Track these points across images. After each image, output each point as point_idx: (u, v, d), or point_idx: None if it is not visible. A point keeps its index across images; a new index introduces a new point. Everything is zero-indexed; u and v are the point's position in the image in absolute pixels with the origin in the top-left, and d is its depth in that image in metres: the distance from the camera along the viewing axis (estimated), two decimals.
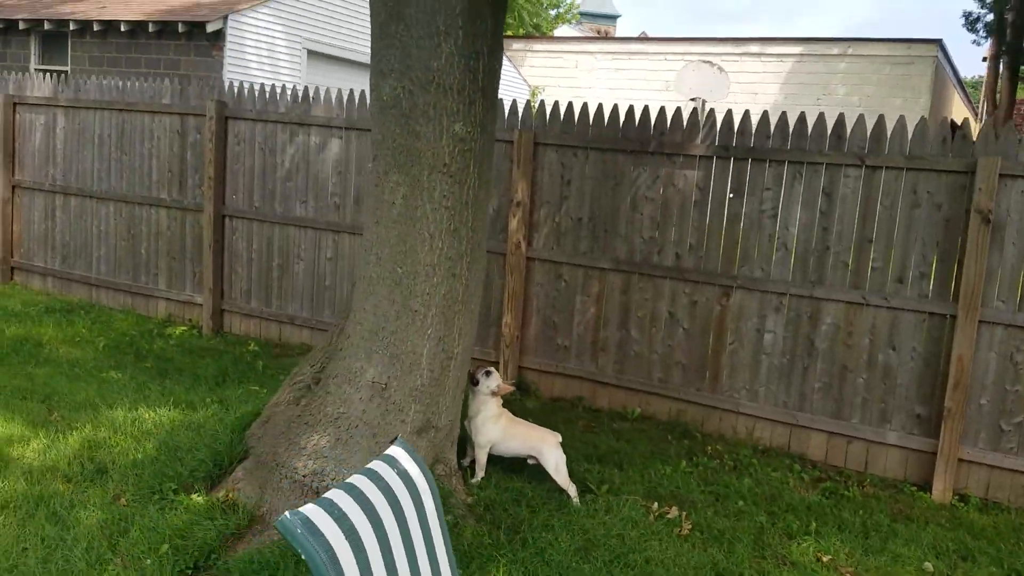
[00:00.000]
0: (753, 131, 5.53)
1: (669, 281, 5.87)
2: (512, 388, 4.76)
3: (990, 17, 22.14)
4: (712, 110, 5.76)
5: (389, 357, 3.89)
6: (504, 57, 21.07)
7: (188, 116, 7.53)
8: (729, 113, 5.74)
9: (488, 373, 4.52)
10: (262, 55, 13.88)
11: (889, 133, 5.16)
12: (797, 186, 5.43)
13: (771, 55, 22.82)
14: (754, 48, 23.00)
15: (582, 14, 44.36)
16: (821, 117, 5.43)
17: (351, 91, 7.02)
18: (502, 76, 20.64)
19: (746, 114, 5.67)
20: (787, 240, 5.50)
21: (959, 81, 25.46)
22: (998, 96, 20.89)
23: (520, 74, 21.82)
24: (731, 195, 5.64)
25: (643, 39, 24.84)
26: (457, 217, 3.85)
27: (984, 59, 25.33)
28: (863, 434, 5.33)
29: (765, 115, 5.56)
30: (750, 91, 22.06)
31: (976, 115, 29.30)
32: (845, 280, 5.33)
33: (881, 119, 5.24)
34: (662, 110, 5.89)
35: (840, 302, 5.34)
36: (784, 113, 5.64)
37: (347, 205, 6.96)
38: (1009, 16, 19.52)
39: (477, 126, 3.82)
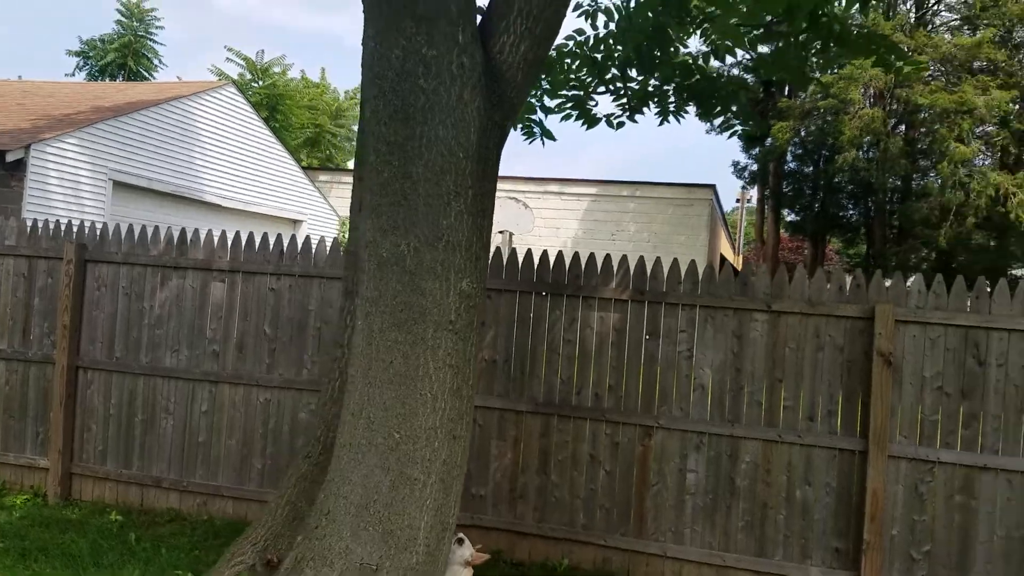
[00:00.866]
0: (665, 276, 5.82)
1: (590, 422, 5.89)
2: (487, 557, 4.47)
3: (755, 166, 25.18)
4: (625, 256, 6.01)
5: (381, 534, 3.55)
6: (314, 187, 20.93)
7: (38, 259, 6.71)
8: (641, 260, 6.01)
9: (460, 541, 4.23)
10: (66, 186, 12.85)
11: (791, 281, 5.63)
12: (710, 329, 5.72)
13: (570, 194, 24.30)
14: (555, 187, 24.39)
15: None
16: (726, 266, 5.82)
17: (237, 233, 6.62)
18: (310, 206, 20.51)
19: (657, 260, 5.97)
20: (704, 380, 5.74)
21: (724, 219, 28.52)
22: (765, 233, 23.50)
23: (330, 205, 21.69)
24: (647, 336, 5.83)
25: None
26: (460, 375, 3.67)
27: (737, 200, 28.63)
28: (787, 571, 5.50)
29: (675, 263, 5.88)
30: (553, 225, 23.38)
31: (734, 249, 32.76)
32: (760, 418, 5.62)
33: (788, 269, 5.71)
34: (576, 255, 6.06)
35: (757, 440, 5.59)
36: (693, 261, 6.00)
37: (228, 352, 6.43)
38: (771, 166, 22.28)
39: (481, 281, 3.72)
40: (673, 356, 5.78)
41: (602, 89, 5.68)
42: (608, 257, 5.98)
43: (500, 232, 19.66)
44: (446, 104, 3.55)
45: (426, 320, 3.58)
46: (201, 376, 6.43)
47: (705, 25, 4.99)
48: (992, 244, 21.47)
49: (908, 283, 5.50)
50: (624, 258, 5.94)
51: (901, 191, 22.80)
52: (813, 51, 4.52)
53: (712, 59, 5.09)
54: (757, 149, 25.33)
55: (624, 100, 5.79)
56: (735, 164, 25.62)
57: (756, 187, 25.41)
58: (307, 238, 6.52)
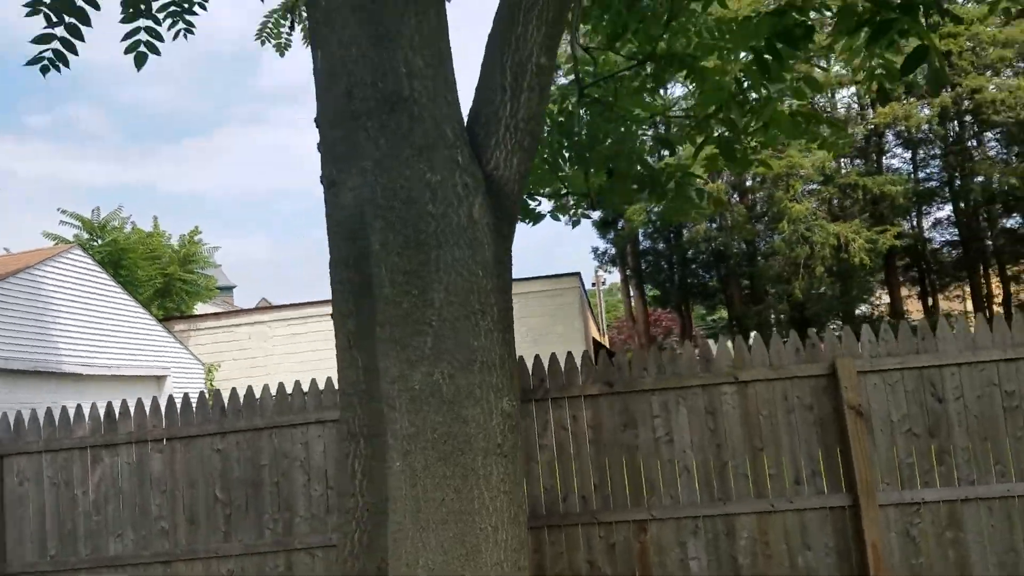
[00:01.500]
0: (627, 365, 5.85)
1: (581, 527, 5.73)
2: None
3: (613, 249, 26.22)
4: (585, 351, 6.01)
5: None
6: (175, 338, 19.87)
7: None
8: (605, 353, 6.03)
9: None
10: None
11: (750, 348, 5.80)
12: (683, 410, 5.77)
13: None
14: None
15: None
16: (688, 346, 5.94)
17: (170, 397, 6.15)
18: (174, 359, 19.40)
19: (620, 352, 6.01)
20: (687, 462, 5.74)
21: (589, 303, 29.35)
22: (634, 311, 24.33)
23: (193, 354, 20.61)
24: (624, 427, 5.80)
25: (312, 303, 25.13)
26: (515, 502, 3.49)
27: (593, 283, 29.65)
28: None
29: (640, 351, 5.94)
30: None
31: (600, 331, 33.67)
32: (750, 491, 5.66)
33: (659, 345, 5.89)
34: (537, 357, 6.00)
35: (751, 513, 5.62)
36: (657, 345, 6.07)
37: (178, 527, 5.86)
38: (628, 247, 23.27)
39: (518, 398, 3.60)
40: (652, 443, 5.77)
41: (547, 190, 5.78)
42: (569, 355, 5.97)
43: None
44: (457, 225, 3.49)
45: (473, 448, 3.41)
46: (151, 558, 5.81)
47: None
48: (838, 290, 23.15)
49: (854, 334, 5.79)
50: (585, 353, 5.94)
51: (748, 254, 24.33)
52: (751, 136, 4.80)
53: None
54: (612, 233, 26.44)
55: (568, 196, 5.92)
56: (595, 249, 26.75)
57: (618, 268, 26.48)
58: (248, 388, 6.14)
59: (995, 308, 25.86)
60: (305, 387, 6.18)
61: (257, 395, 6.09)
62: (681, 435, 5.75)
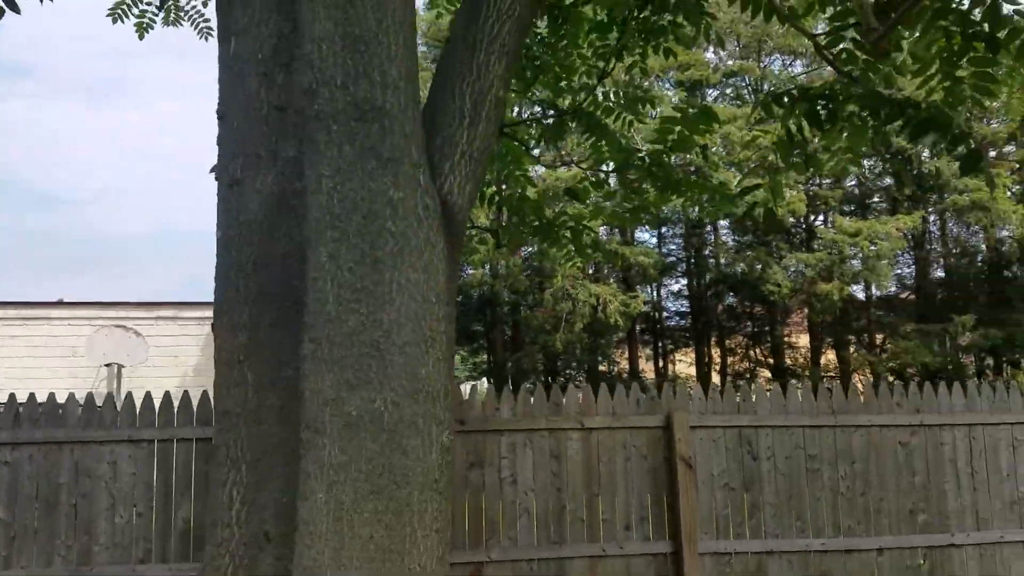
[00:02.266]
0: (479, 404, 5.86)
1: None
2: None
3: None
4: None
5: None
6: None
7: None
8: (458, 388, 5.98)
9: None
10: None
11: (597, 398, 6.03)
12: (530, 452, 5.86)
13: (189, 318, 22.76)
14: (169, 312, 22.67)
15: None
16: (544, 389, 6.06)
17: None
18: None
19: (473, 388, 5.98)
20: (528, 505, 5.82)
21: None
22: None
23: None
24: (470, 466, 5.77)
25: (45, 304, 22.43)
26: (443, 541, 3.34)
27: None
28: None
29: (508, 390, 5.95)
30: (170, 354, 21.51)
31: None
32: (584, 535, 5.84)
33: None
34: None
35: (584, 557, 5.80)
36: (523, 387, 6.12)
37: None
38: None
39: (454, 433, 3.47)
40: (498, 484, 5.78)
41: None
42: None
43: (107, 366, 17.75)
44: (415, 247, 3.35)
45: (410, 482, 3.23)
46: None
47: None
48: (589, 346, 24.69)
49: (689, 390, 6.24)
50: None
51: (512, 303, 25.28)
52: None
53: None
54: None
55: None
56: None
57: None
58: (51, 395, 5.37)
59: (714, 375, 28.86)
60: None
61: (60, 406, 5.34)
62: (525, 476, 5.82)
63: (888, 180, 30.22)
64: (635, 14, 4.28)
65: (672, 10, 4.19)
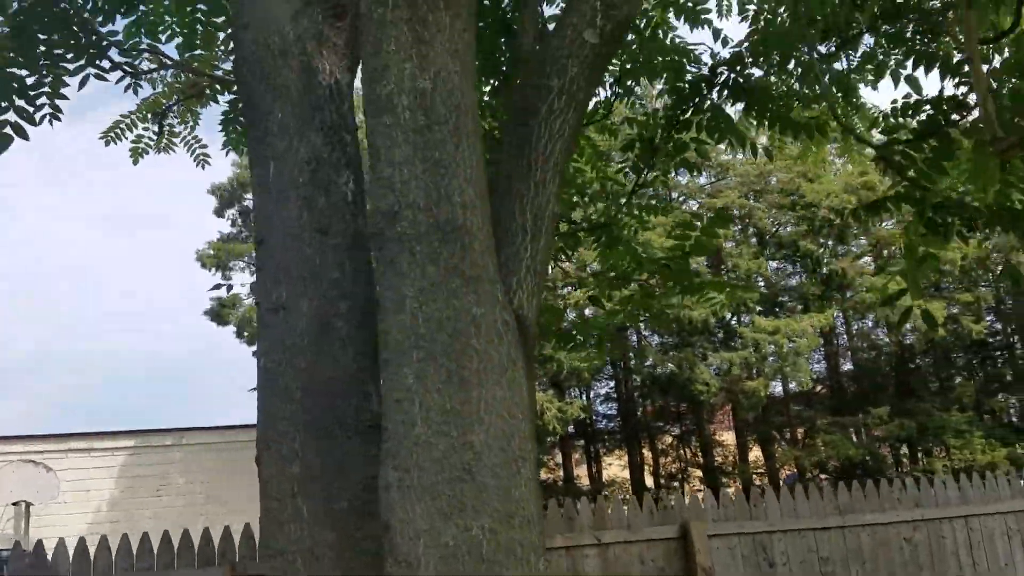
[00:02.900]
0: None
1: None
2: None
3: None
4: None
5: None
6: None
7: None
8: None
9: None
10: None
11: (609, 511, 5.92)
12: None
13: (101, 450, 21.56)
14: (81, 444, 21.45)
15: None
16: (555, 502, 5.91)
17: None
18: None
19: None
20: None
21: None
22: None
23: None
24: None
25: None
26: None
27: None
28: None
29: None
30: (82, 488, 20.25)
31: None
32: None
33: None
34: None
35: None
36: None
37: None
38: None
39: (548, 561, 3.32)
40: None
41: None
42: None
43: (14, 504, 16.59)
44: (498, 364, 3.28)
45: None
46: None
47: None
48: None
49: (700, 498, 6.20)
50: None
51: None
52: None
53: None
54: None
55: None
56: None
57: None
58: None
59: (647, 477, 28.86)
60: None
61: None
62: None
63: (796, 280, 31.72)
64: (665, 133, 4.47)
65: (710, 131, 4.39)
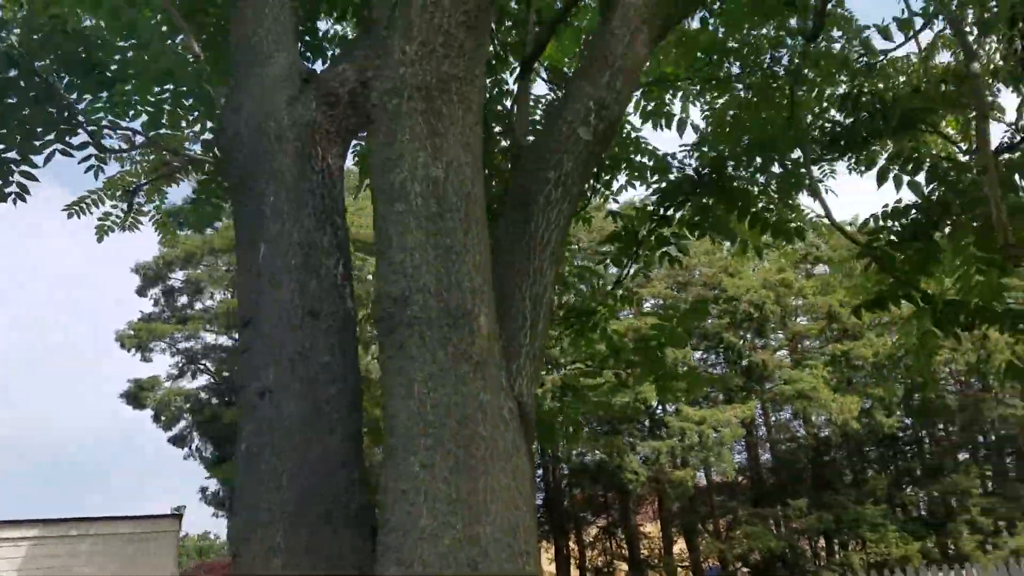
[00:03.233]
0: None
1: None
2: None
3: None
4: None
5: None
6: None
7: None
8: None
9: None
10: None
11: None
12: None
13: (2, 540, 20.27)
14: None
15: None
16: None
17: None
18: None
19: None
20: None
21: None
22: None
23: None
24: None
25: None
26: None
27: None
28: None
29: None
30: None
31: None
32: None
33: None
34: None
35: None
36: None
37: None
38: None
39: None
40: None
41: None
42: None
43: None
44: (503, 451, 3.27)
45: None
46: None
47: None
48: None
49: None
50: None
51: None
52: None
53: None
54: (220, 470, 24.60)
55: None
56: (203, 490, 24.35)
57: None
58: None
59: (573, 570, 28.41)
60: None
61: None
62: None
63: (719, 370, 32.44)
64: (651, 228, 4.63)
65: (691, 227, 4.56)
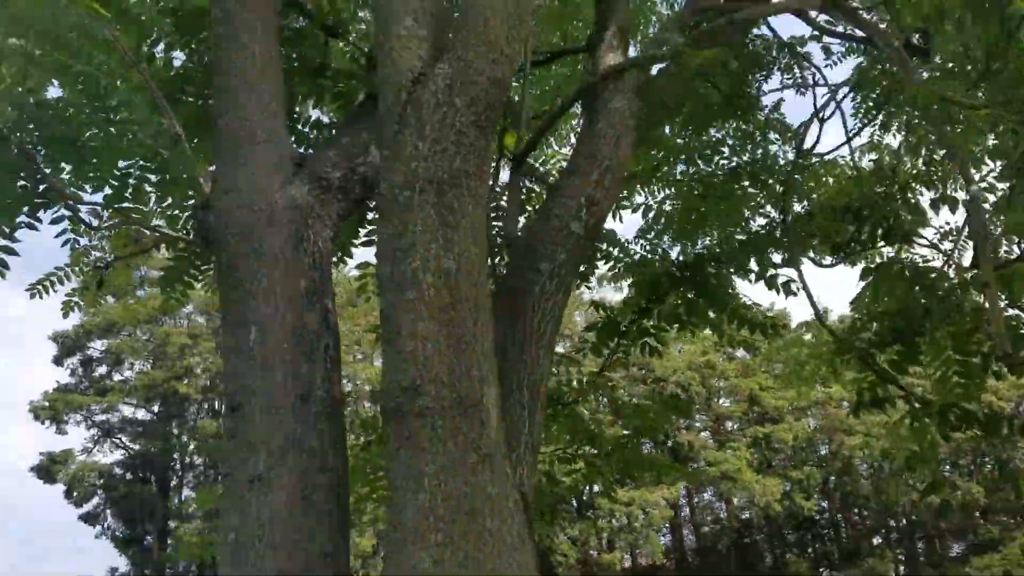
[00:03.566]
0: None
1: None
2: None
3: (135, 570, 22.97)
4: None
5: None
6: None
7: None
8: None
9: None
10: None
11: None
12: None
13: None
14: None
15: None
16: None
17: None
18: None
19: None
20: None
21: None
22: None
23: None
24: None
25: None
26: None
27: None
28: None
29: None
30: None
31: None
32: None
33: None
34: None
35: None
36: None
37: None
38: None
39: None
40: None
41: None
42: None
43: None
44: (509, 545, 3.25)
45: None
46: None
47: None
48: None
49: None
50: None
51: None
52: None
53: None
54: (132, 550, 23.38)
55: None
56: (113, 570, 23.03)
57: None
58: None
59: None
60: None
61: None
62: None
63: (646, 449, 32.69)
64: (632, 320, 4.77)
65: (670, 320, 4.72)
